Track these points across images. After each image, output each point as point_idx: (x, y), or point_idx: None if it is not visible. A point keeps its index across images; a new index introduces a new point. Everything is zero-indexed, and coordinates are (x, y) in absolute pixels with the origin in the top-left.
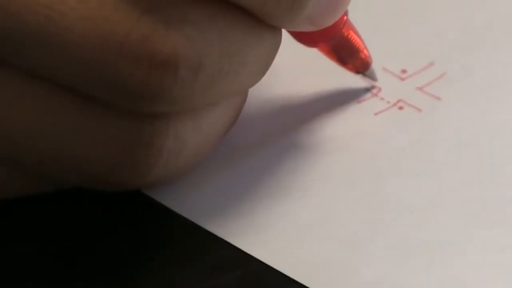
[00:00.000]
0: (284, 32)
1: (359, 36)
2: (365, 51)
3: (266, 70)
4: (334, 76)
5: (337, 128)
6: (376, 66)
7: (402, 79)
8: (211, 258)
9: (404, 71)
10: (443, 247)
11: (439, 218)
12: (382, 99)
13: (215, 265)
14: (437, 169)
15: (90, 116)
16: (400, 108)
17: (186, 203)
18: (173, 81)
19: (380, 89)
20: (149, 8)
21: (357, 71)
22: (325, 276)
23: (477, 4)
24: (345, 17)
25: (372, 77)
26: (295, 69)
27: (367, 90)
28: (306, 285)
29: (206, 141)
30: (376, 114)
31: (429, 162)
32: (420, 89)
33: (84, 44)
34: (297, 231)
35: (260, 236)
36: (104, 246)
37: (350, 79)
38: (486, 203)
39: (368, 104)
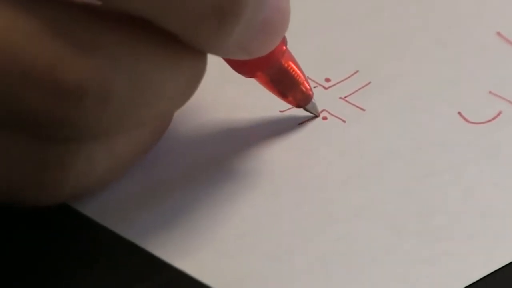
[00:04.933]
0: None
1: (299, 68)
2: (305, 84)
3: (188, 96)
4: (255, 86)
5: (259, 137)
6: None
7: (326, 88)
8: (130, 266)
9: (327, 80)
10: (367, 259)
11: (363, 230)
12: (305, 108)
13: (134, 274)
14: (362, 180)
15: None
16: (324, 118)
17: (110, 214)
18: (77, 111)
19: None
20: (58, 34)
21: (298, 105)
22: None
23: (401, 13)
24: (284, 47)
25: (313, 111)
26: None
27: None
28: None
29: (120, 162)
30: (299, 124)
31: (353, 174)
32: (344, 98)
33: None
34: (221, 243)
35: (183, 246)
36: (25, 259)
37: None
38: (409, 215)
39: (291, 113)
